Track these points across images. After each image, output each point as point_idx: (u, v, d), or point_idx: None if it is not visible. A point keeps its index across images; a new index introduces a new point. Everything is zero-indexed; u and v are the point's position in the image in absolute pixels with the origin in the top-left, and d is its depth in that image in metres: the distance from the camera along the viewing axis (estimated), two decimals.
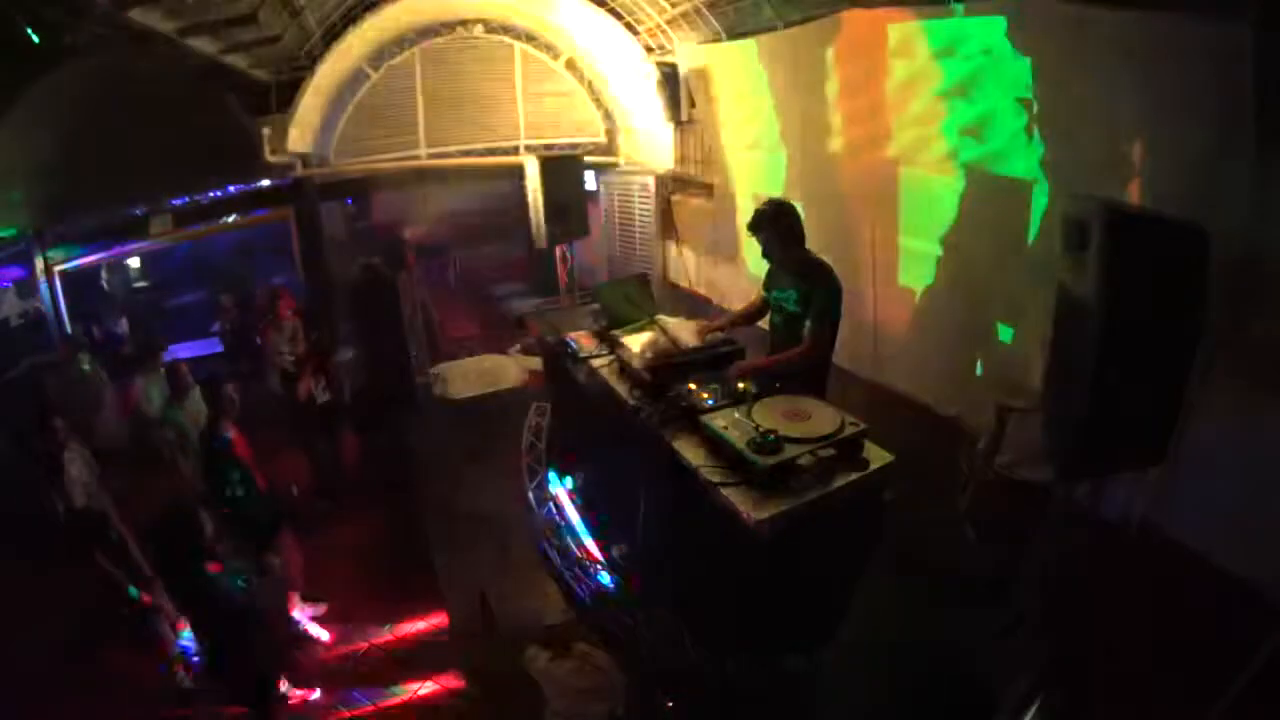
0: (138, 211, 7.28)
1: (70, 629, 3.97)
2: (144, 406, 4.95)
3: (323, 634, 3.97)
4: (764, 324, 3.87)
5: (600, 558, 4.08)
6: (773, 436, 2.75)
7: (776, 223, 3.52)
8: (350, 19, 7.17)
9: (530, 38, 8.42)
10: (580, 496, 4.51)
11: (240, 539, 3.58)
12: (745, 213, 4.57)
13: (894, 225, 5.33)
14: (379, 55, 7.94)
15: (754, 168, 6.92)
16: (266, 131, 7.32)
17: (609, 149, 9.05)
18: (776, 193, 6.29)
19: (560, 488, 4.68)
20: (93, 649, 3.88)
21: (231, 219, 8.04)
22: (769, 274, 3.78)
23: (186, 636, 3.80)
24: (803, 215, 3.56)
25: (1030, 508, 3.84)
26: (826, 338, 3.41)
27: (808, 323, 3.41)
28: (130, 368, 5.60)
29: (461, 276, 10.48)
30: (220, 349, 7.46)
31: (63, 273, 6.99)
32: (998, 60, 4.10)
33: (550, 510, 4.60)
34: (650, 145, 8.51)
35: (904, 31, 4.76)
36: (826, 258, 3.56)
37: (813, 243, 3.61)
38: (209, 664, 3.31)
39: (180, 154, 6.72)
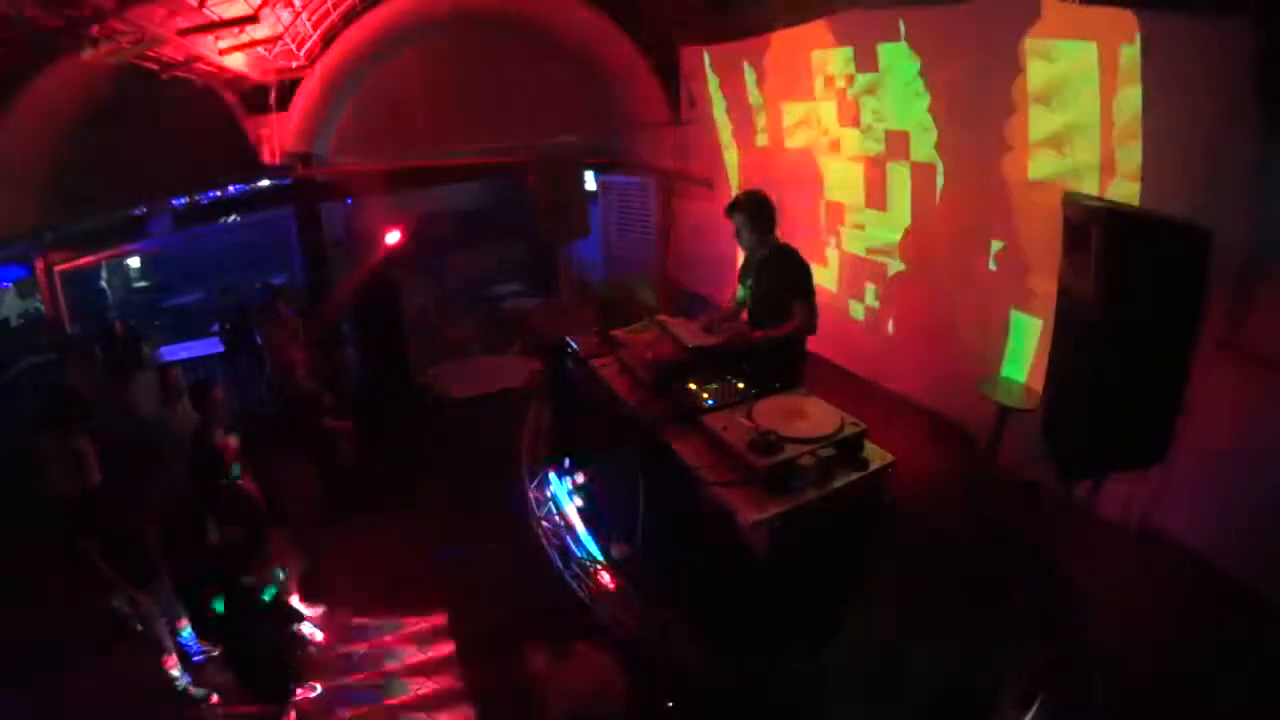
0: (138, 211, 7.28)
1: (69, 627, 3.96)
2: (138, 406, 4.94)
3: (317, 634, 3.96)
4: None
5: (600, 558, 4.08)
6: (773, 437, 2.75)
7: (751, 210, 3.77)
8: (350, 18, 7.17)
9: (531, 37, 8.42)
10: (580, 496, 4.51)
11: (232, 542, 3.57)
12: None
13: None
14: (379, 54, 7.94)
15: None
16: (266, 132, 7.32)
17: (609, 149, 9.05)
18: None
19: (560, 488, 4.68)
20: (93, 648, 3.87)
21: (231, 219, 8.05)
22: (744, 265, 3.98)
23: (187, 635, 3.80)
24: None
25: (1030, 507, 3.85)
26: (812, 309, 3.65)
27: (793, 300, 3.62)
28: (126, 366, 5.59)
29: (461, 276, 10.49)
30: (220, 349, 7.45)
31: (63, 273, 6.99)
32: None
33: (550, 510, 4.60)
34: (650, 145, 8.51)
35: None
36: None
37: None
38: (232, 667, 3.34)
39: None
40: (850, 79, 5.38)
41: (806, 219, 6.33)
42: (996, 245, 4.55)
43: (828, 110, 5.73)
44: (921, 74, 4.76)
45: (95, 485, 3.44)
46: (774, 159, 6.58)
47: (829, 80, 5.66)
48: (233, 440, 3.99)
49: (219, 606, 3.20)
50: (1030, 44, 4.02)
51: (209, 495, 3.62)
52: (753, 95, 6.63)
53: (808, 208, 6.31)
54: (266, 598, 3.42)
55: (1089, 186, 3.83)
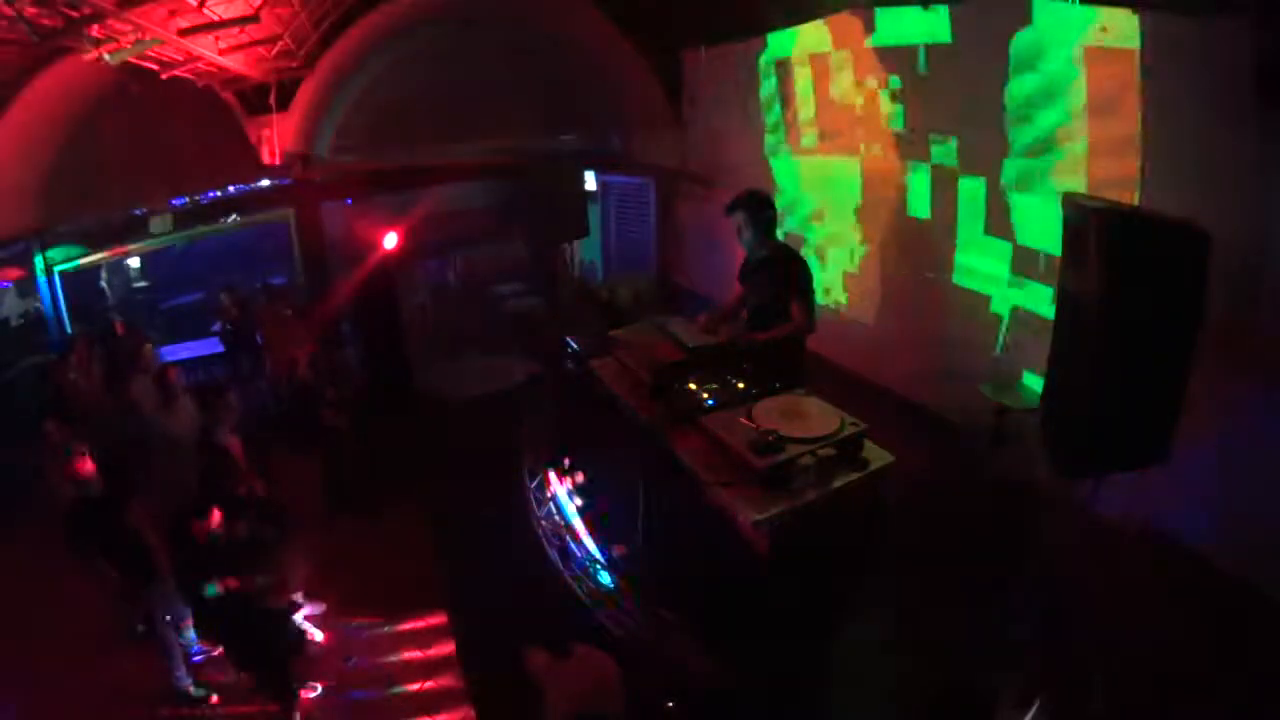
0: (138, 211, 7.28)
1: (69, 628, 3.96)
2: (137, 405, 4.94)
3: (317, 634, 3.96)
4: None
5: (600, 558, 4.08)
6: (773, 437, 2.75)
7: (754, 210, 3.75)
8: (349, 18, 7.16)
9: (532, 37, 8.41)
10: (580, 496, 4.51)
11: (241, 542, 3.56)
12: None
13: None
14: (378, 54, 7.93)
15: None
16: (267, 132, 7.32)
17: (609, 149, 9.04)
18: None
19: (560, 488, 4.69)
20: (93, 648, 3.87)
21: (231, 219, 8.04)
22: (744, 265, 3.96)
23: (189, 635, 3.80)
24: None
25: (1030, 507, 3.84)
26: (811, 310, 3.68)
27: (793, 300, 3.63)
28: (126, 367, 5.60)
29: (461, 276, 10.48)
30: (220, 349, 7.45)
31: (63, 273, 6.99)
32: None
33: (550, 510, 4.60)
34: (650, 145, 8.51)
35: None
36: None
37: None
38: (236, 661, 3.34)
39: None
40: (874, 84, 5.36)
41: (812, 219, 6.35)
42: (1000, 245, 4.55)
43: (839, 110, 5.73)
44: (940, 75, 4.75)
45: (96, 493, 3.43)
46: (785, 159, 6.58)
47: (829, 79, 5.67)
48: (237, 440, 4.00)
49: (219, 600, 3.18)
50: (1029, 44, 4.02)
51: (217, 495, 3.62)
52: (759, 94, 6.63)
53: (818, 207, 6.32)
54: (270, 597, 3.41)
55: (1087, 187, 3.83)
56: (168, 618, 3.63)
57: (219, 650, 3.69)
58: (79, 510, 3.42)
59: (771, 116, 6.52)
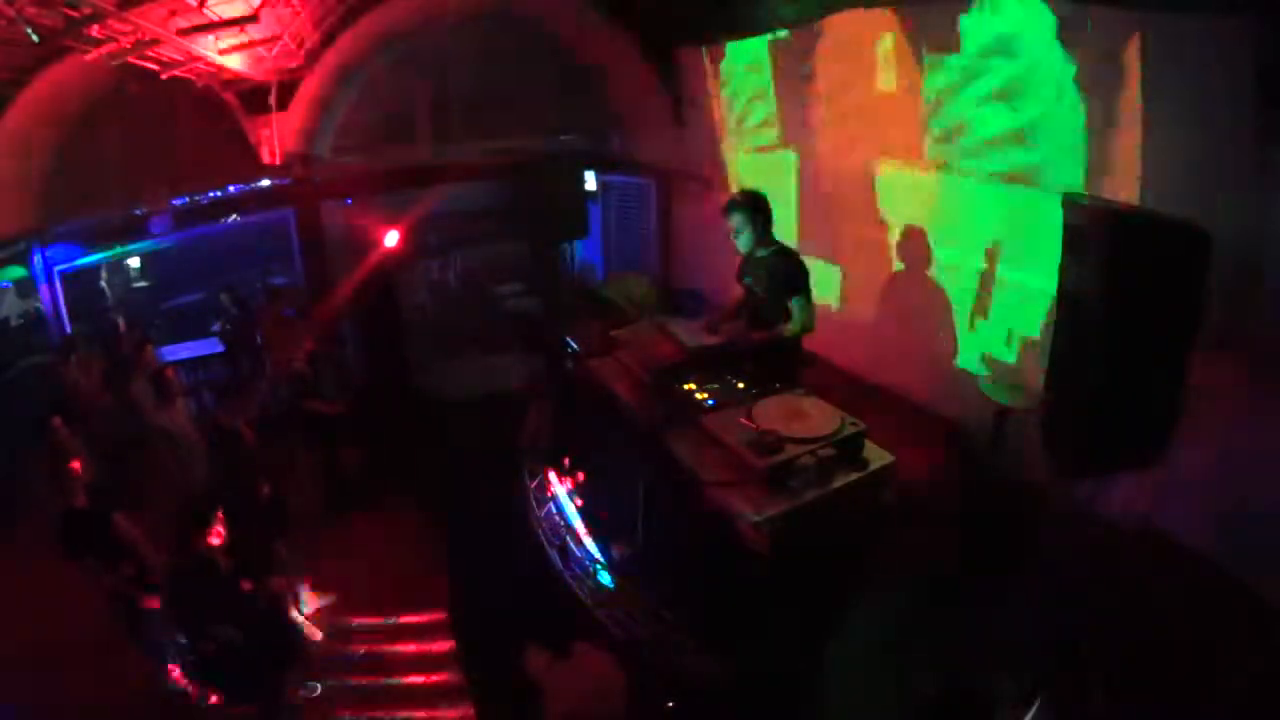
0: (138, 211, 7.27)
1: (68, 630, 3.96)
2: (139, 405, 4.95)
3: (315, 633, 3.97)
4: None
5: (600, 558, 4.08)
6: (773, 437, 2.75)
7: (751, 211, 3.72)
8: (350, 17, 7.16)
9: (532, 37, 8.41)
10: (580, 496, 4.51)
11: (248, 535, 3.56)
12: None
13: None
14: (378, 53, 7.93)
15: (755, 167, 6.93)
16: (267, 132, 7.31)
17: (609, 149, 9.04)
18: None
19: (560, 488, 4.68)
20: (93, 648, 3.87)
21: (231, 219, 8.03)
22: (742, 265, 3.94)
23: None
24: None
25: (1030, 507, 3.85)
26: (810, 309, 3.66)
27: (792, 302, 3.61)
28: (126, 367, 5.60)
29: (461, 276, 10.48)
30: (220, 349, 7.45)
31: (63, 273, 6.98)
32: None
33: (550, 510, 4.60)
34: (650, 145, 8.51)
35: None
36: None
37: None
38: (211, 664, 3.31)
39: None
40: (874, 83, 5.34)
41: (811, 220, 6.35)
42: (998, 245, 4.56)
43: (839, 109, 5.72)
44: (940, 74, 4.74)
45: (81, 503, 3.44)
46: (785, 158, 6.58)
47: (825, 82, 5.67)
48: (250, 431, 4.02)
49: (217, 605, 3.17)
50: (1029, 43, 4.03)
51: (228, 485, 3.61)
52: (757, 93, 6.63)
53: (810, 209, 6.33)
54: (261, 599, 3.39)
55: (1087, 185, 3.83)
56: (165, 619, 3.63)
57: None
58: (71, 516, 3.43)
59: (769, 115, 6.52)
